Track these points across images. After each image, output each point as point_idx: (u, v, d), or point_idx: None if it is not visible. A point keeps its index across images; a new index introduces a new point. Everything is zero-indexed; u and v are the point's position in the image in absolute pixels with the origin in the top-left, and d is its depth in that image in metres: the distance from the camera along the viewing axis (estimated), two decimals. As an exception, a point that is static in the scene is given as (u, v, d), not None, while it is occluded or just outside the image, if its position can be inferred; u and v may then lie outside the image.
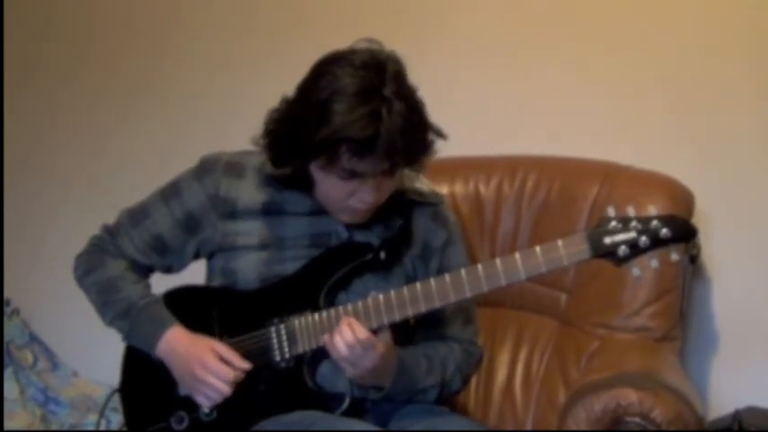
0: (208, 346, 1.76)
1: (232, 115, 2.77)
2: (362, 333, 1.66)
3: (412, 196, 1.87)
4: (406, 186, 1.87)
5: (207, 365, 1.74)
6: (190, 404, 1.79)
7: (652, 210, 1.66)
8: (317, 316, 1.75)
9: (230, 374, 1.74)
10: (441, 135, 1.72)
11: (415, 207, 1.87)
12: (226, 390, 1.74)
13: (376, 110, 1.61)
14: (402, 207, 1.85)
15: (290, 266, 1.80)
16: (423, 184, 1.91)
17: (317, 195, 1.79)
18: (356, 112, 1.61)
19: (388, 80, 1.64)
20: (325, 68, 1.68)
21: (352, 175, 1.67)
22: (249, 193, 1.83)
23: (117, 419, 2.49)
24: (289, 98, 1.74)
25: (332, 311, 1.74)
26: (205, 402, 1.77)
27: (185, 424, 1.80)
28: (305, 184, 1.78)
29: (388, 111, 1.62)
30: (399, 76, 1.67)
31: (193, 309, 1.84)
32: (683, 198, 2.16)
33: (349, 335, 1.66)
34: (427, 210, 1.88)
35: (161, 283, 1.91)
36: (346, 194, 1.72)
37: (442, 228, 1.89)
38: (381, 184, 1.71)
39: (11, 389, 2.96)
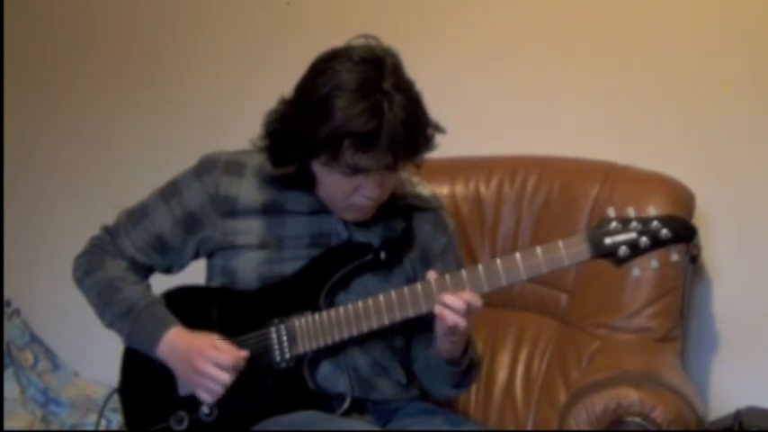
0: (207, 340, 1.76)
1: (233, 115, 2.77)
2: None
3: (413, 201, 1.87)
4: (408, 191, 1.87)
5: (206, 356, 1.73)
6: (190, 404, 1.79)
7: (652, 210, 1.66)
8: (317, 316, 1.75)
9: (229, 361, 1.73)
10: (439, 129, 1.72)
11: (417, 212, 1.87)
12: (226, 378, 1.73)
13: (377, 104, 1.62)
14: (403, 211, 1.85)
15: (290, 266, 1.80)
16: (424, 189, 1.91)
17: (320, 193, 1.79)
18: (358, 107, 1.61)
19: (387, 74, 1.65)
20: (324, 65, 1.68)
21: (356, 170, 1.67)
22: (249, 191, 1.83)
23: (117, 419, 2.49)
24: (287, 98, 1.74)
25: (332, 312, 1.75)
26: (207, 398, 1.76)
27: (185, 424, 1.80)
28: (307, 184, 1.78)
29: (389, 104, 1.62)
30: (398, 69, 1.67)
31: (193, 309, 1.84)
32: (683, 198, 2.16)
33: (468, 295, 1.66)
34: (428, 215, 1.88)
35: (161, 284, 1.91)
36: (350, 191, 1.72)
37: (442, 234, 1.89)
38: (384, 179, 1.71)
39: (11, 389, 2.96)
